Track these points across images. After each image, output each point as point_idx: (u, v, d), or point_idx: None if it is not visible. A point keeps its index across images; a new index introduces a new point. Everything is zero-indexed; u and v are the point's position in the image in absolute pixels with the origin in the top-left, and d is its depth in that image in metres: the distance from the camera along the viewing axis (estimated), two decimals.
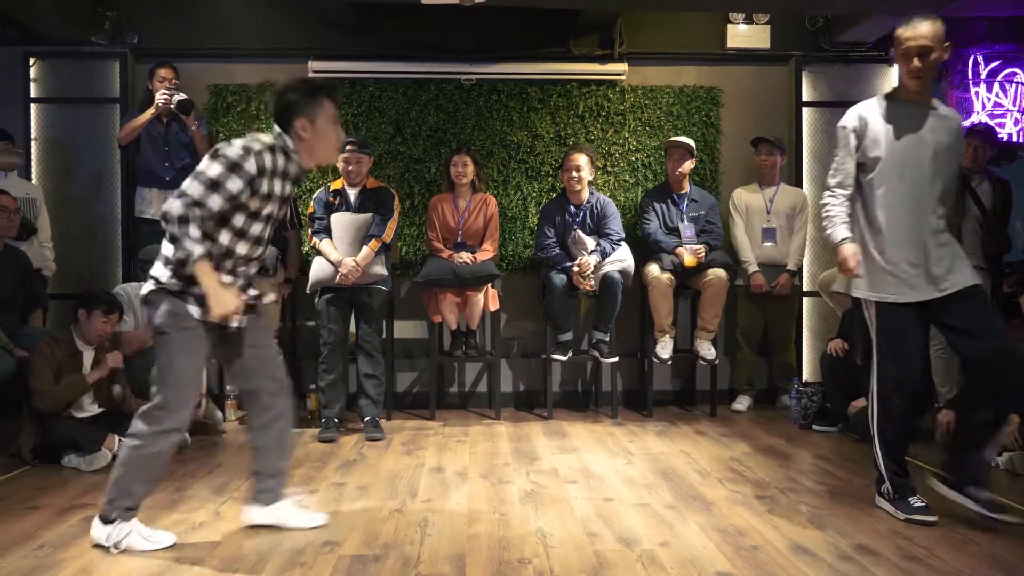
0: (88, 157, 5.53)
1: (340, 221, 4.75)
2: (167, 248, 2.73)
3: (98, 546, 2.80)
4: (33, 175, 5.45)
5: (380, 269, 4.75)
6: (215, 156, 2.68)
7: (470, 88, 5.62)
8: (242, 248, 2.80)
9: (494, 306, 5.18)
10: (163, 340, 2.75)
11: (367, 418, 4.72)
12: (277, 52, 5.54)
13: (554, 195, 5.46)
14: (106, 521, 2.78)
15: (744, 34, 5.68)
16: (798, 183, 5.70)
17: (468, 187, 5.18)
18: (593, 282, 5.03)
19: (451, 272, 4.96)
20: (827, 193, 3.24)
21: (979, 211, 4.75)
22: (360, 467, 3.99)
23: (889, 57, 5.72)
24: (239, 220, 2.73)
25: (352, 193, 4.81)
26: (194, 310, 2.73)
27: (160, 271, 2.76)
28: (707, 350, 5.18)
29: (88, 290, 4.41)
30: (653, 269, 5.13)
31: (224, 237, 2.74)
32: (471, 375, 5.75)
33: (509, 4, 4.98)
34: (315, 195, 4.92)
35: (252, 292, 2.92)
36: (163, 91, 4.89)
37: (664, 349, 5.15)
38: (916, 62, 3.04)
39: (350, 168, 4.76)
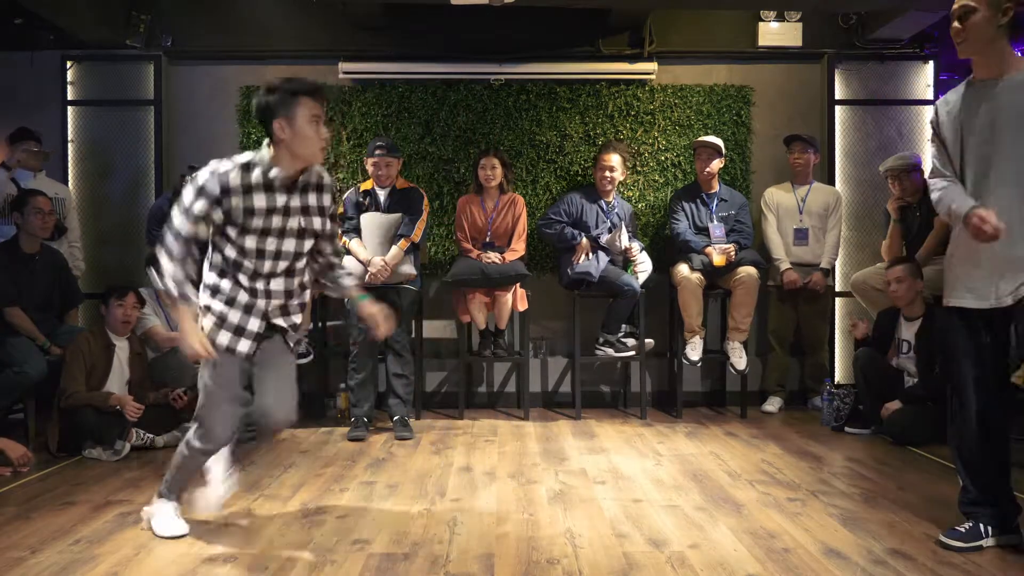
0: (123, 159, 5.62)
1: (369, 221, 4.78)
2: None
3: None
4: (70, 176, 5.55)
5: (409, 269, 4.78)
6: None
7: (499, 88, 5.62)
8: (256, 263, 2.80)
9: (523, 306, 5.18)
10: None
11: (396, 417, 4.75)
12: (308, 54, 5.59)
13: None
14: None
15: (776, 32, 5.63)
16: (830, 183, 5.63)
17: (496, 189, 5.19)
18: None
19: (480, 272, 4.96)
20: None
21: None
22: (389, 466, 4.01)
23: (924, 54, 5.64)
24: (233, 234, 2.75)
25: (382, 193, 4.84)
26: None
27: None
28: (738, 358, 5.10)
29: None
30: (683, 269, 5.09)
31: (230, 251, 2.79)
32: (500, 375, 5.75)
33: (538, 4, 4.98)
34: (345, 195, 4.96)
35: (293, 319, 2.95)
36: None
37: (694, 350, 5.10)
38: (956, 23, 2.70)
39: (380, 172, 4.81)
